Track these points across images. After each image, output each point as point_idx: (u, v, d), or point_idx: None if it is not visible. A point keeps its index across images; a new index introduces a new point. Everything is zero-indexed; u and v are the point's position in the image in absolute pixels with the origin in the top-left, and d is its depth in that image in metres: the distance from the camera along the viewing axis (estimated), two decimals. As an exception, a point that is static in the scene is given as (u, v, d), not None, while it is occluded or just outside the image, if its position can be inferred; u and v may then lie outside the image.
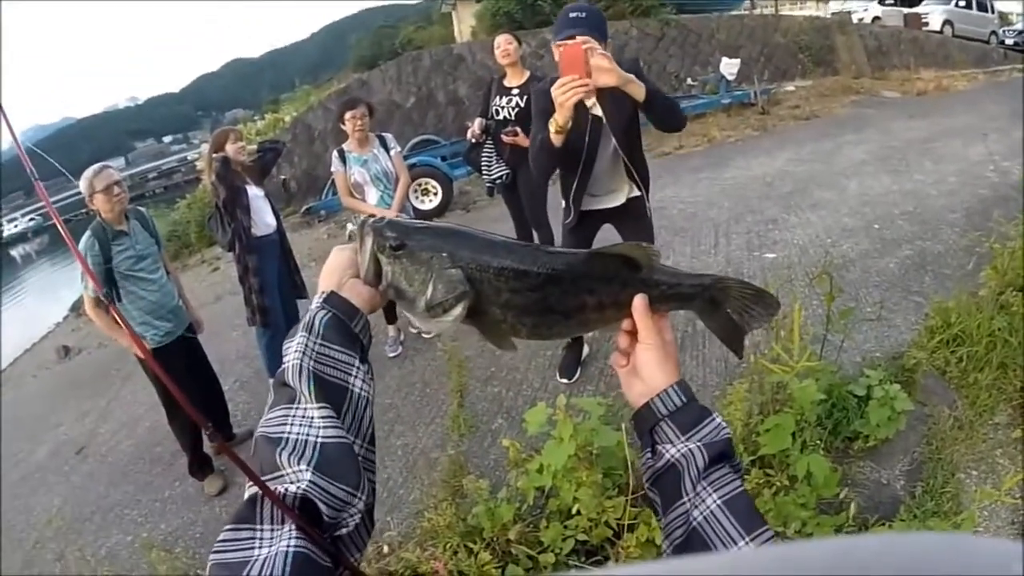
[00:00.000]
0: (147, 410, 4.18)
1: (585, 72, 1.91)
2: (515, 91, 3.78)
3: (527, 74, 3.80)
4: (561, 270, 0.72)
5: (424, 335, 4.12)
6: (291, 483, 0.55)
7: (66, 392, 5.35)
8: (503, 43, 3.73)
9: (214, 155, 3.45)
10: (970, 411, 2.81)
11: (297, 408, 0.60)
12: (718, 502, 0.62)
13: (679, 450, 0.66)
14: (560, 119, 2.13)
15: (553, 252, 0.74)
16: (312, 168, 9.87)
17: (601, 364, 3.49)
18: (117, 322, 2.93)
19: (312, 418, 0.59)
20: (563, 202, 2.89)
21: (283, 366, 0.63)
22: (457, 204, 7.36)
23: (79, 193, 2.91)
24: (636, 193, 2.81)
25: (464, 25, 16.66)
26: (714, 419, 0.68)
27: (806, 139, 7.98)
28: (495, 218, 5.79)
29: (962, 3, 15.50)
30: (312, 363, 0.63)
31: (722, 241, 4.94)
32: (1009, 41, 15.50)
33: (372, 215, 0.77)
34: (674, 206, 5.98)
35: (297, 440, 0.58)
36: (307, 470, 0.56)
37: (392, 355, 4.01)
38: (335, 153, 3.72)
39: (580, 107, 2.24)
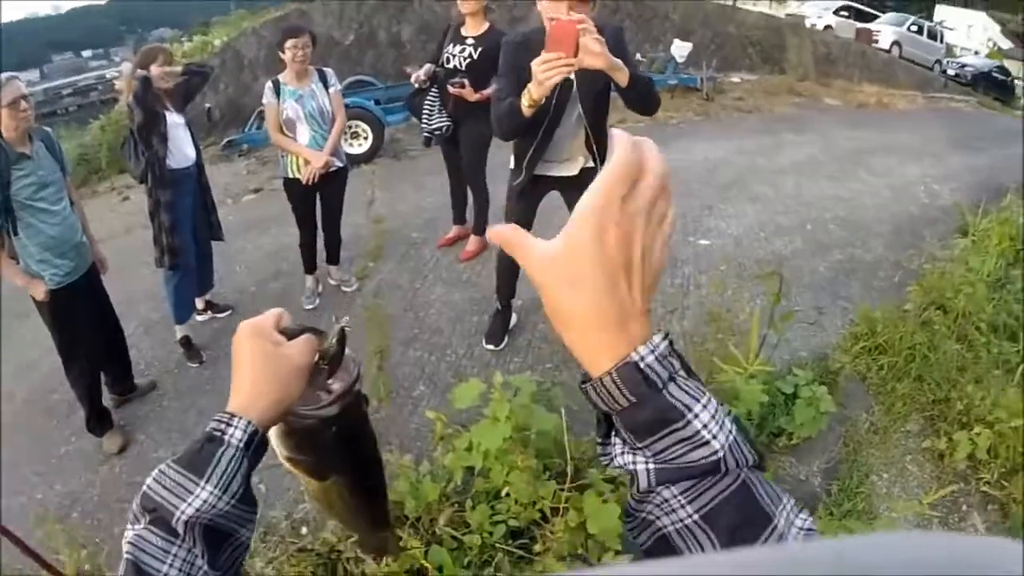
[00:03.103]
0: (44, 353, 3.74)
1: (573, 51, 1.80)
2: (471, 41, 3.57)
3: (487, 26, 3.59)
4: None
5: (344, 289, 3.91)
6: None
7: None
8: None
9: (136, 73, 3.05)
10: (885, 418, 2.93)
11: (180, 547, 0.52)
12: (694, 516, 0.43)
13: (627, 460, 0.47)
14: (535, 94, 2.04)
15: None
16: (238, 97, 9.15)
17: (530, 336, 3.39)
18: (11, 258, 2.57)
19: (194, 564, 0.52)
20: (511, 161, 2.76)
21: (167, 505, 0.52)
22: (387, 152, 6.99)
23: None
24: (591, 164, 2.70)
25: (417, -34, 15.90)
26: (689, 425, 0.48)
27: (748, 131, 8.06)
28: (427, 170, 5.54)
29: (913, 28, 16.27)
30: (211, 517, 0.53)
31: None
32: (951, 72, 16.33)
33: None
34: None
35: None
36: None
37: (308, 307, 3.76)
38: (269, 84, 3.39)
39: None
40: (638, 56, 10.25)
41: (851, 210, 5.37)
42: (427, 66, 3.72)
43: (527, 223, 2.80)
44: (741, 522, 0.42)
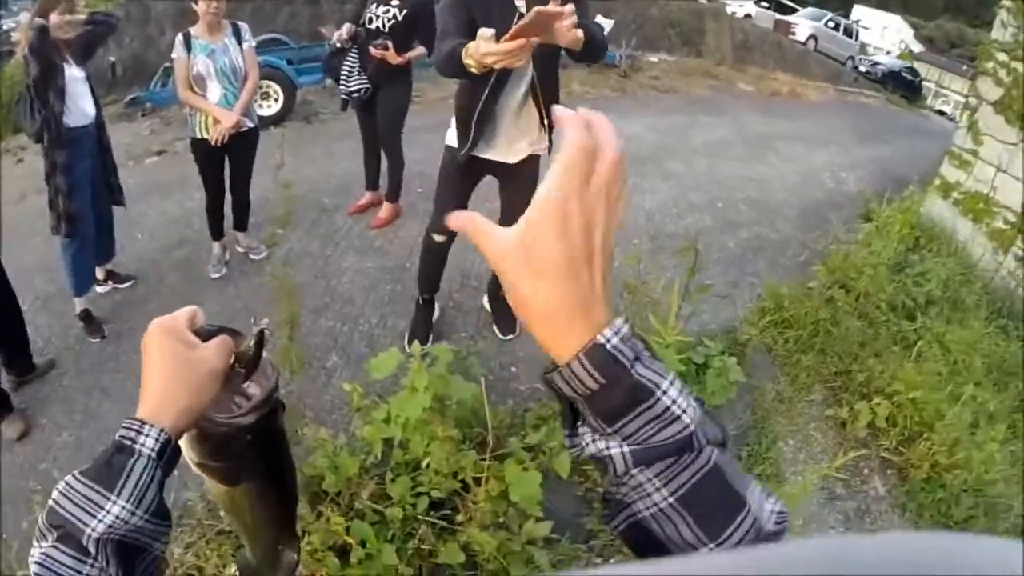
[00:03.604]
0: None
1: (538, 35, 1.70)
2: (395, 2, 3.47)
3: None
4: None
5: (252, 256, 3.74)
6: None
7: None
8: None
9: (33, 22, 2.76)
10: (790, 388, 3.13)
11: (92, 566, 0.49)
12: (669, 500, 0.43)
13: (599, 447, 0.46)
14: (476, 67, 1.89)
15: None
16: (143, 52, 8.46)
17: (443, 303, 3.30)
18: None
19: None
20: (449, 137, 2.58)
21: (75, 520, 0.49)
22: (298, 114, 6.69)
23: None
24: (540, 147, 2.56)
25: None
26: (658, 402, 0.43)
27: (664, 110, 8.24)
28: (339, 135, 5.37)
29: (831, 24, 17.11)
30: (124, 533, 0.50)
31: None
32: (863, 68, 17.30)
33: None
34: None
35: None
36: None
37: (215, 276, 3.57)
38: (180, 37, 3.17)
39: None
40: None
41: (760, 191, 5.64)
42: (348, 25, 3.58)
43: (460, 206, 2.65)
44: (715, 506, 0.42)
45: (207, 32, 3.16)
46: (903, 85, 17.48)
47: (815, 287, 3.68)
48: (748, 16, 16.55)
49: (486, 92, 2.31)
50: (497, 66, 1.79)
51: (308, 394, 2.72)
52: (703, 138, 7.17)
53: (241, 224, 3.72)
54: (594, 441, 0.45)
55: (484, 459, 1.81)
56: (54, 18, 2.79)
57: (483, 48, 1.77)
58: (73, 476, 0.51)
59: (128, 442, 0.52)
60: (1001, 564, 0.20)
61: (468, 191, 2.69)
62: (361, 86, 3.62)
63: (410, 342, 3.06)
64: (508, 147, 2.52)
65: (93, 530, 0.49)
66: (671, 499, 0.43)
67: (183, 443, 0.58)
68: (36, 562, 0.49)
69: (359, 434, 2.08)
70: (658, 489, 0.43)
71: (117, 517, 0.49)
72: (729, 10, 15.50)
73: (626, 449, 0.43)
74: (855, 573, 0.20)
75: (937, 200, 5.00)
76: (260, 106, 6.22)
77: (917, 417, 2.93)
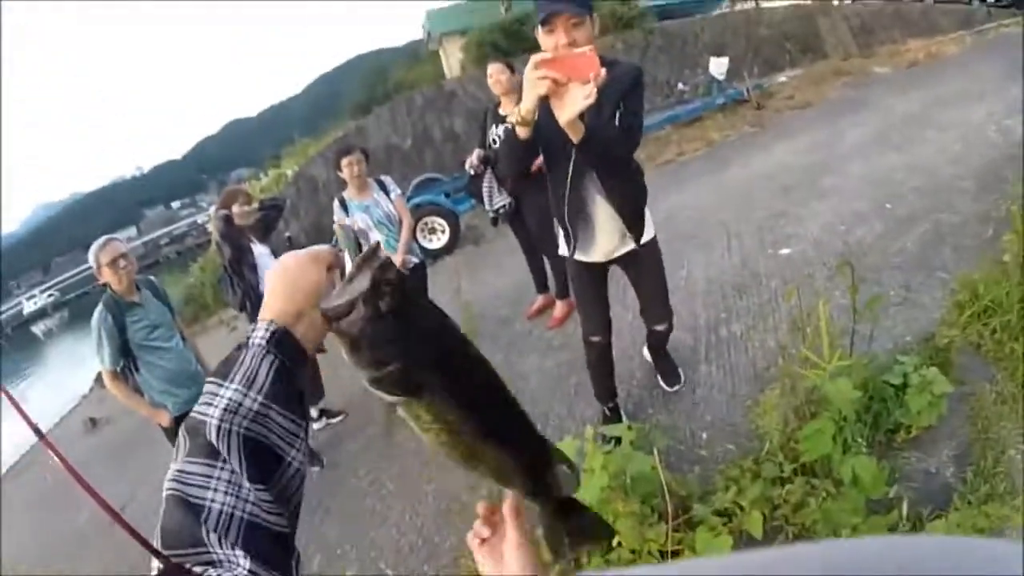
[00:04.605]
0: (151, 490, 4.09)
1: (570, 75, 1.67)
2: (510, 120, 3.76)
3: None
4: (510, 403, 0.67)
5: None
6: (225, 571, 0.45)
7: (102, 461, 5.39)
8: (495, 73, 3.75)
9: (218, 214, 3.48)
10: (1011, 383, 2.69)
11: (223, 469, 0.50)
12: None
13: None
14: (523, 107, 1.88)
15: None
16: (318, 219, 9.95)
17: (627, 385, 3.36)
18: (136, 392, 2.94)
19: (241, 486, 0.49)
20: (562, 246, 2.57)
21: (199, 415, 0.51)
22: (466, 239, 7.31)
23: None
24: (648, 234, 2.48)
25: (452, 60, 16.91)
26: None
27: (804, 128, 7.91)
28: (507, 250, 5.71)
29: (939, -33, 15.45)
30: (246, 425, 0.51)
31: (734, 243, 4.84)
32: None
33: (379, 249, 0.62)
34: (681, 213, 5.89)
35: (222, 513, 0.48)
36: (244, 556, 0.46)
37: None
38: (336, 202, 3.74)
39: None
40: (680, 85, 10.34)
41: (927, 176, 5.11)
42: (477, 151, 3.93)
43: (600, 305, 2.66)
44: None
45: (357, 192, 3.71)
46: (1037, -5, 15.00)
47: (1010, 259, 3.18)
48: (854, -2, 15.41)
49: (567, 189, 2.32)
50: (537, 88, 1.72)
51: (505, 493, 2.87)
52: (851, 141, 6.75)
53: None
54: None
55: (672, 529, 1.80)
56: (235, 208, 3.47)
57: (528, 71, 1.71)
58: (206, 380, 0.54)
59: (244, 341, 0.55)
60: (1001, 564, 0.21)
61: (599, 289, 2.64)
62: (503, 202, 3.95)
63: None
64: (609, 247, 2.47)
65: (211, 418, 0.50)
66: None
67: (348, 359, 0.58)
68: (170, 479, 0.49)
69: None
70: None
71: (230, 400, 0.51)
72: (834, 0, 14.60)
73: None
74: (858, 573, 0.20)
75: None
76: (429, 240, 7.01)
77: None
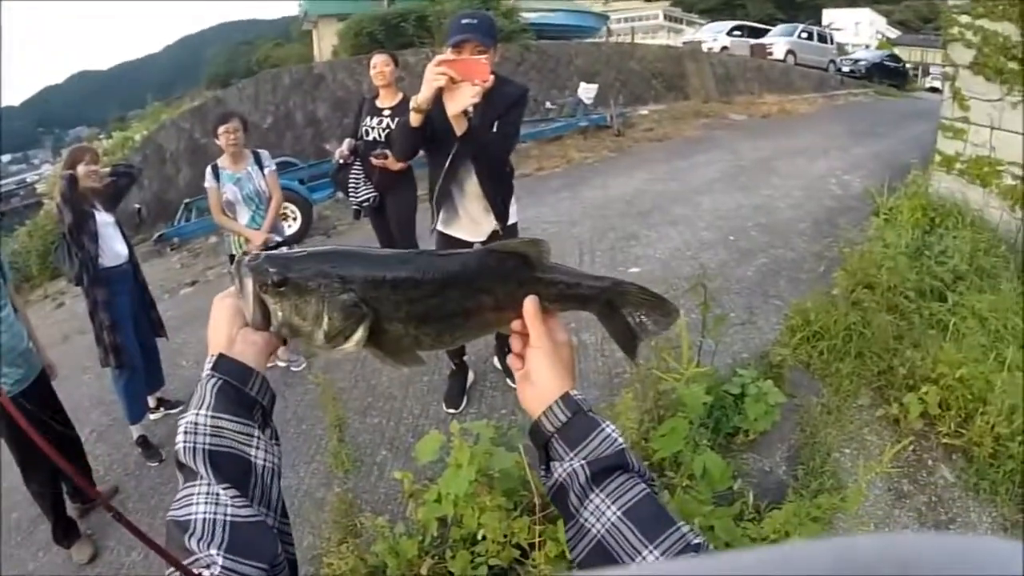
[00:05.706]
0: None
1: (462, 76, 2.02)
2: (387, 112, 3.69)
3: (400, 96, 3.72)
4: (456, 272, 0.70)
5: (292, 368, 3.87)
6: (204, 567, 0.53)
7: None
8: (380, 63, 3.67)
9: (62, 174, 3.06)
10: (835, 397, 3.10)
11: (200, 485, 0.57)
12: (618, 513, 0.60)
13: (565, 468, 0.65)
14: (420, 98, 2.18)
15: (445, 255, 0.73)
16: (163, 192, 9.04)
17: (481, 386, 3.44)
18: None
19: (218, 495, 0.57)
20: (430, 209, 2.79)
21: (176, 445, 0.60)
22: (317, 229, 7.05)
23: None
24: (503, 227, 2.73)
25: (325, 43, 16.26)
26: (602, 430, 0.65)
27: (661, 159, 8.42)
28: (359, 242, 5.57)
29: (804, 35, 17.45)
30: (206, 441, 0.59)
31: (587, 258, 5.06)
32: (846, 69, 17.54)
33: (247, 252, 0.69)
34: (537, 226, 5.96)
35: (205, 521, 0.55)
36: (218, 554, 0.53)
37: None
38: (209, 169, 3.54)
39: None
40: (547, 103, 10.69)
41: (768, 215, 5.71)
42: (348, 141, 3.80)
43: None
44: (653, 518, 0.60)
45: (231, 162, 3.51)
46: (888, 74, 17.58)
47: (838, 293, 3.67)
48: (724, 48, 16.99)
49: (443, 172, 2.58)
50: (433, 83, 2.06)
51: (363, 489, 2.80)
52: (704, 176, 7.32)
53: None
54: (563, 464, 0.65)
55: (536, 522, 1.84)
56: (81, 169, 3.08)
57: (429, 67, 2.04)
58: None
59: (205, 373, 0.64)
60: (1001, 564, 0.21)
61: None
62: (369, 195, 3.80)
63: (446, 407, 3.24)
64: (473, 226, 2.74)
65: (178, 443, 0.59)
66: (619, 512, 0.61)
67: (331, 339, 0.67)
68: (176, 500, 0.57)
69: (414, 517, 2.13)
70: (609, 507, 0.61)
71: (188, 422, 0.60)
72: (705, 47, 15.99)
73: (584, 463, 0.63)
74: (858, 573, 0.21)
75: (942, 176, 4.98)
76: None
77: (968, 395, 2.86)
